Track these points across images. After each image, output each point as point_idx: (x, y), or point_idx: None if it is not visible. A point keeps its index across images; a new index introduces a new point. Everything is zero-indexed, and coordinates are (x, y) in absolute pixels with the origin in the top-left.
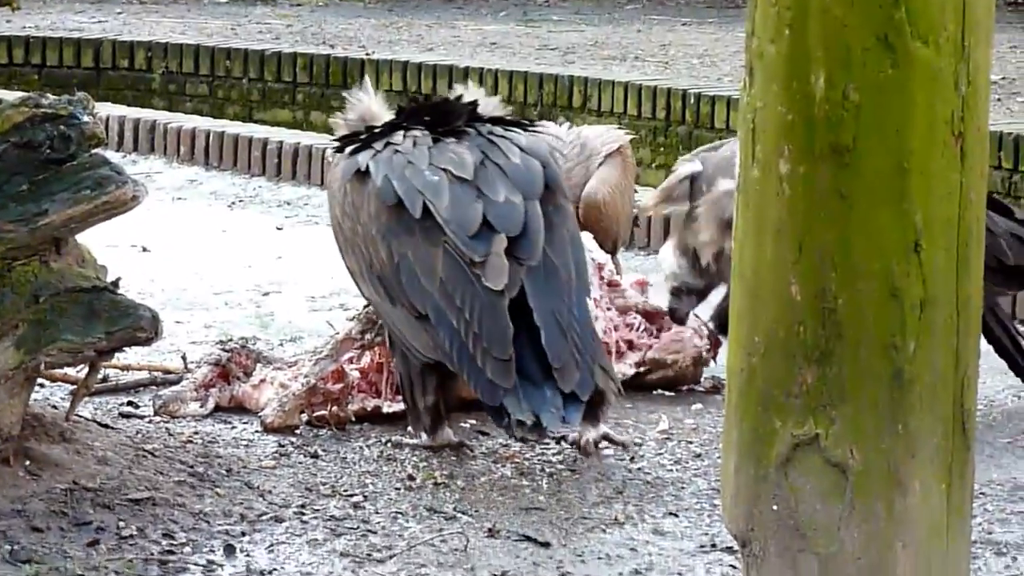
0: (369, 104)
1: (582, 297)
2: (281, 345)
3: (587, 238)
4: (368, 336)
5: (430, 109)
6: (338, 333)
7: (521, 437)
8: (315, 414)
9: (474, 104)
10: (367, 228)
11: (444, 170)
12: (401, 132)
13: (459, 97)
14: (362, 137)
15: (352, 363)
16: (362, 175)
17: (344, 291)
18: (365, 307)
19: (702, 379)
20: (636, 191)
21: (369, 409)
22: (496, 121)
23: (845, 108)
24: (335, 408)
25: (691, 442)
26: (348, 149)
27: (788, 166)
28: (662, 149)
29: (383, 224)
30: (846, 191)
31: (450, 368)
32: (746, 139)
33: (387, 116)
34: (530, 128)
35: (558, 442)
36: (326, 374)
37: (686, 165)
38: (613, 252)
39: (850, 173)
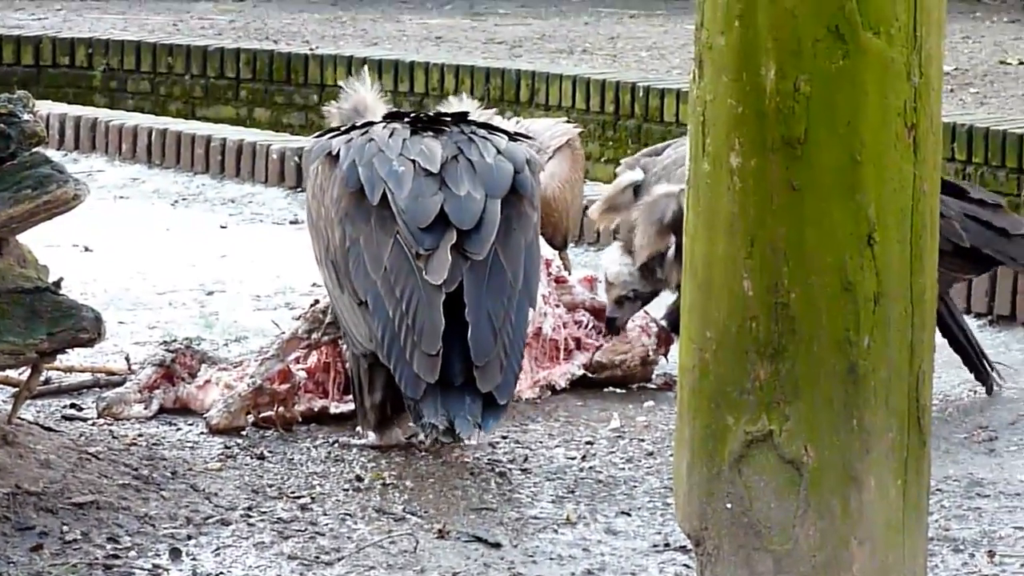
0: (364, 95)
1: (524, 306)
2: (226, 345)
3: None
4: (315, 336)
5: (424, 116)
6: (284, 333)
7: (434, 439)
8: (261, 415)
9: (465, 113)
10: (328, 211)
11: (412, 161)
12: (382, 123)
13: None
14: (347, 129)
15: (299, 363)
16: (332, 159)
17: (290, 289)
18: (311, 306)
19: (653, 376)
20: (585, 184)
21: (316, 410)
22: (485, 127)
23: (796, 100)
24: (281, 409)
25: (643, 440)
26: (328, 135)
27: (739, 159)
28: (611, 143)
29: (342, 208)
30: (798, 183)
31: (381, 358)
32: (696, 132)
33: (382, 108)
34: (518, 137)
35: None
36: (272, 374)
37: (627, 174)
38: (562, 248)
39: (802, 165)
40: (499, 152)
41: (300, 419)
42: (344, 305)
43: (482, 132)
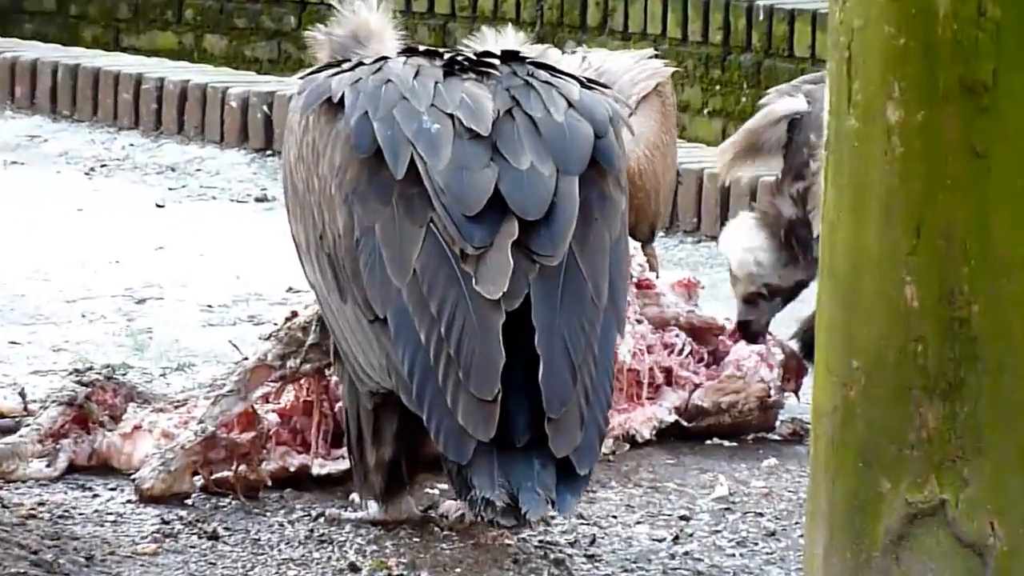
0: (367, 17)
1: (610, 333)
2: (164, 376)
3: None
4: (291, 363)
5: (458, 54)
6: (247, 359)
7: (491, 521)
8: (214, 476)
9: (515, 51)
10: (325, 183)
11: (450, 116)
12: (402, 59)
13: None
14: (350, 66)
15: (268, 402)
16: (332, 107)
17: (255, 296)
18: (287, 320)
19: (777, 423)
20: (677, 148)
21: (293, 469)
22: (546, 68)
23: (981, 27)
24: (243, 468)
25: (761, 514)
26: (323, 73)
27: (900, 112)
28: (718, 88)
29: (349, 181)
30: (983, 147)
31: (406, 402)
32: (838, 74)
33: (393, 36)
34: (592, 85)
35: (426, 510)
36: (230, 419)
37: (783, 100)
38: (648, 239)
39: (989, 121)
40: (571, 106)
41: (270, 482)
42: (346, 320)
43: (544, 75)
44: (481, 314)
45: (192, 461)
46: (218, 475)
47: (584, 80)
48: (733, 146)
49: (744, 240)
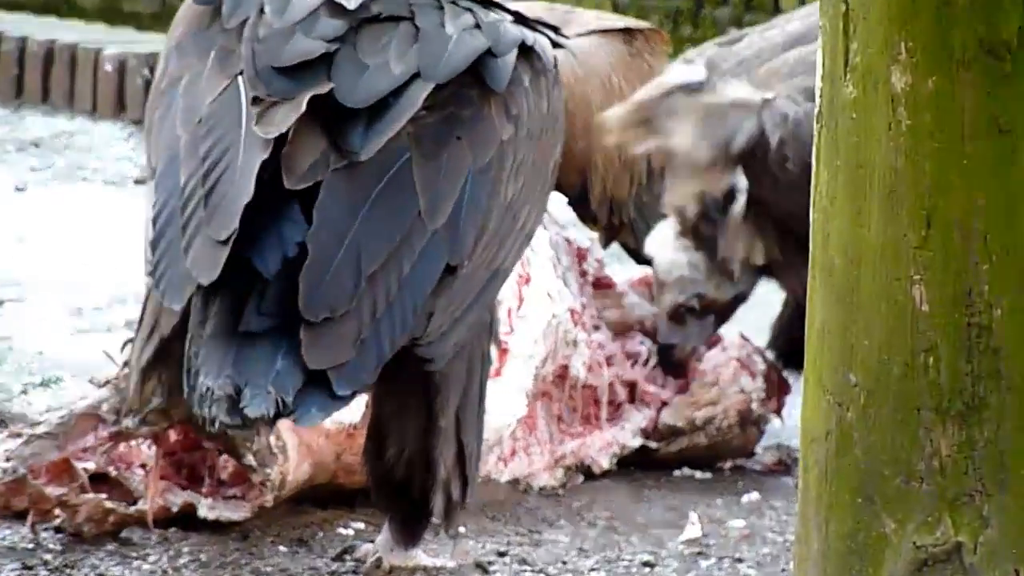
0: None
1: (435, 257)
2: (25, 393)
3: (557, 202)
4: (128, 422)
5: None
6: (85, 398)
7: (209, 419)
8: (36, 521)
9: None
10: (167, 48)
11: None
12: None
13: None
14: None
15: (111, 446)
16: None
17: (135, 298)
18: (127, 364)
19: (758, 448)
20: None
21: (175, 510)
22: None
23: None
24: (62, 515)
25: (740, 560)
26: None
27: (908, 78)
28: (688, 47)
29: (177, 36)
30: (1008, 121)
31: (147, 265)
32: (832, 32)
33: None
34: (538, 27)
35: (339, 556)
36: (40, 464)
37: (678, 69)
38: (609, 221)
39: (1014, 90)
40: (477, 26)
41: (151, 523)
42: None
43: (468, 4)
44: (248, 152)
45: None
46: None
47: (521, 16)
48: (621, 118)
49: (671, 240)
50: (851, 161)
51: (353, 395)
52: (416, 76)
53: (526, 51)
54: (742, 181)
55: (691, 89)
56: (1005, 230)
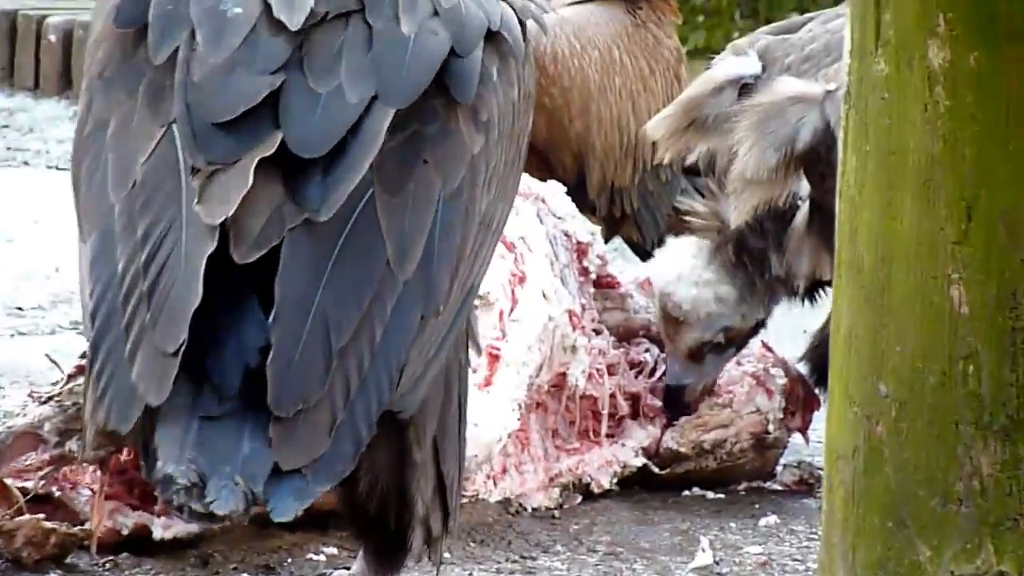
0: None
1: (409, 311)
2: None
3: (556, 191)
4: (72, 445)
5: None
6: (24, 414)
7: (178, 506)
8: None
9: None
10: (89, 77)
11: (265, 1)
12: None
13: None
14: None
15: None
16: None
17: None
18: (71, 378)
19: (778, 470)
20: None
21: (125, 532)
22: None
23: None
24: None
25: None
26: None
27: (946, 54)
28: (700, 20)
29: (99, 60)
30: None
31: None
32: (863, 3)
33: None
34: None
35: None
36: None
37: (726, 62)
38: (602, 209)
39: None
40: (436, 14)
41: (94, 550)
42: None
43: None
44: (193, 242)
45: None
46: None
47: None
48: (668, 122)
49: (694, 273)
50: (882, 146)
51: (325, 487)
52: (375, 99)
53: (491, 36)
54: (804, 187)
55: (744, 84)
56: None
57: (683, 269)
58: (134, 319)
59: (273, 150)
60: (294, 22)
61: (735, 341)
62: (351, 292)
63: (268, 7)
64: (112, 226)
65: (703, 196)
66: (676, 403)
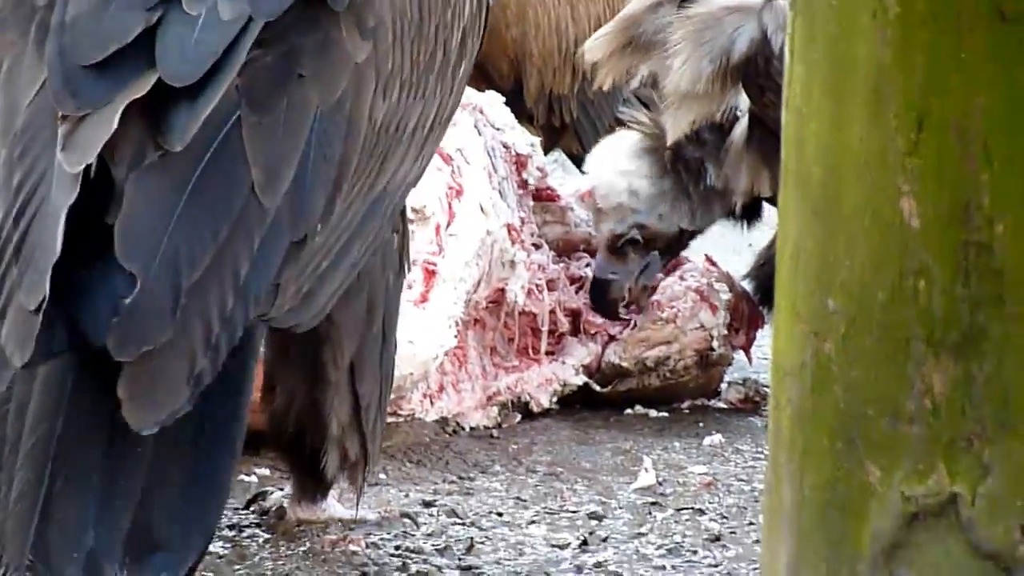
0: None
1: (276, 241)
2: None
3: (494, 101)
4: None
5: None
6: None
7: None
8: None
9: None
10: None
11: None
12: None
13: None
14: None
15: None
16: None
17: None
18: None
19: (723, 388)
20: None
21: None
22: None
23: None
24: None
25: (702, 512)
26: None
27: None
28: None
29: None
30: (1015, 8)
31: None
32: None
33: None
34: None
35: (248, 506)
36: None
37: None
38: (541, 118)
39: None
40: None
41: None
42: None
43: None
44: (57, 193)
45: None
46: None
47: None
48: (605, 42)
49: (617, 162)
50: (830, 55)
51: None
52: (250, 17)
53: None
54: (743, 101)
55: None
56: (1009, 134)
57: (610, 158)
58: (6, 274)
59: (146, 90)
60: None
61: (655, 243)
62: (207, 225)
63: None
64: None
65: (646, 106)
66: (601, 299)
